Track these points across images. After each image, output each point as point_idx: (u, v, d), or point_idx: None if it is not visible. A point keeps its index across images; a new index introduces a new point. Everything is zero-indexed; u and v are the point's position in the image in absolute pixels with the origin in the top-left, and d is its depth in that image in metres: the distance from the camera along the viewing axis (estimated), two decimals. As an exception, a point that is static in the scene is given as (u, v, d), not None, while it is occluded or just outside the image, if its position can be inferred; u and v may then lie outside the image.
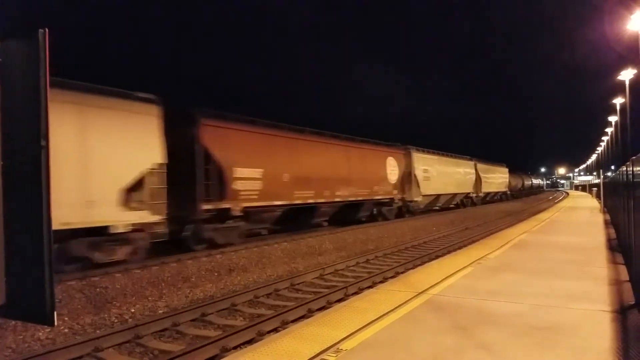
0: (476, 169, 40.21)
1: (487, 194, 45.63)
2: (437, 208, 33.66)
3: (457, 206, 37.70)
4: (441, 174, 30.89)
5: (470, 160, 39.94)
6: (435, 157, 30.90)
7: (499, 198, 52.22)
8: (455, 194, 35.09)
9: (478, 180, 40.69)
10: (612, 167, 54.32)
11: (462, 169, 37.21)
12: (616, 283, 6.88)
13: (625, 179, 7.78)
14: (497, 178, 49.34)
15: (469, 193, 39.03)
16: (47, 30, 2.02)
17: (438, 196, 31.17)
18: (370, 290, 7.35)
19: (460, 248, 13.62)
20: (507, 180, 53.86)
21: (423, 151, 29.48)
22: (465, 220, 26.44)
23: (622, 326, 4.81)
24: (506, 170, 53.83)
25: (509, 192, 55.81)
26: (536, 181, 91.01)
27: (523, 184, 68.34)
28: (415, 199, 27.35)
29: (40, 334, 7.31)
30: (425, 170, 28.54)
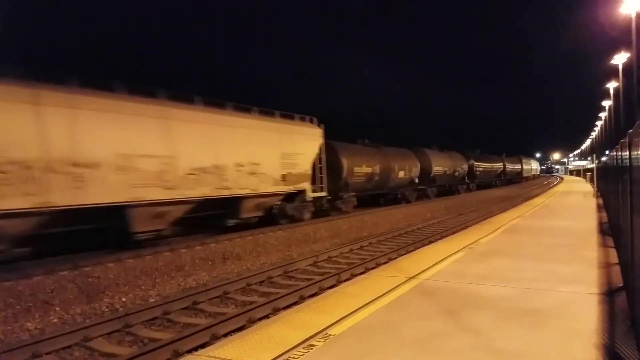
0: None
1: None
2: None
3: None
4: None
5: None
6: None
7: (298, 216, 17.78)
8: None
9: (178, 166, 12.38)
10: (607, 152, 54.46)
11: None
12: (606, 266, 6.91)
13: (615, 163, 7.77)
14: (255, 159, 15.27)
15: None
16: None
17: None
18: (362, 276, 7.35)
19: (452, 233, 13.65)
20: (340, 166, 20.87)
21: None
22: (458, 207, 26.53)
23: (610, 308, 4.83)
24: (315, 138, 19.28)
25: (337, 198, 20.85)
26: (496, 165, 51.50)
27: (429, 172, 31.14)
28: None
29: (29, 324, 7.28)
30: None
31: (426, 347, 3.98)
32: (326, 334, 4.39)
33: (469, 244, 9.27)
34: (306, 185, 18.05)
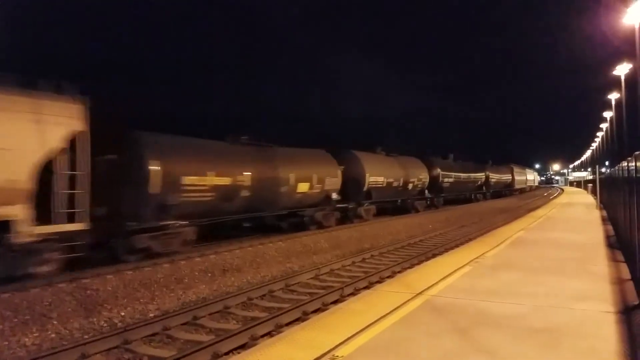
0: None
1: None
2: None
3: None
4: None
5: None
6: None
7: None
8: None
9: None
10: (607, 163, 54.39)
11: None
12: (618, 282, 6.73)
13: (627, 175, 7.62)
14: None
15: None
16: None
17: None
18: (367, 291, 7.17)
19: (457, 246, 13.47)
20: None
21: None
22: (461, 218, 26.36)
23: (628, 328, 4.65)
24: None
25: None
26: (475, 175, 41.26)
27: (361, 185, 22.37)
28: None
29: (27, 339, 7.09)
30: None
31: (439, 370, 3.80)
32: (334, 355, 4.22)
33: (476, 258, 9.10)
34: (15, 212, 9.02)
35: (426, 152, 32.09)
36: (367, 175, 22.08)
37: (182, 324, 7.45)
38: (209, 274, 11.35)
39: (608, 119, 50.33)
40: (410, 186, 27.21)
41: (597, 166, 37.39)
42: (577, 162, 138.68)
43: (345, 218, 21.10)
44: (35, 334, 7.27)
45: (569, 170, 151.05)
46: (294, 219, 18.31)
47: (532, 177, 76.93)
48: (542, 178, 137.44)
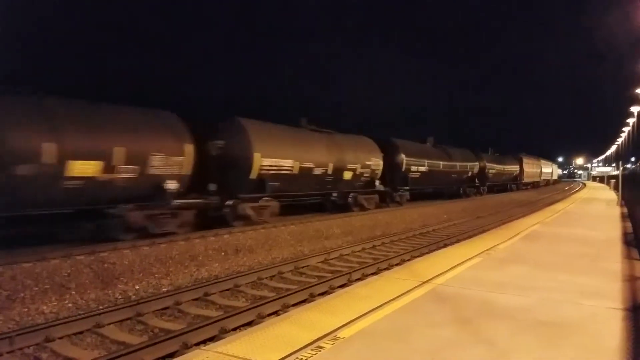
0: None
1: None
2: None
3: None
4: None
5: None
6: None
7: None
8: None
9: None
10: (632, 159, 52.96)
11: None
12: (630, 279, 6.65)
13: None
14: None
15: None
16: None
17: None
18: (374, 277, 7.23)
19: (469, 237, 13.40)
20: None
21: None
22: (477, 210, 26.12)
23: (634, 325, 4.62)
24: None
25: None
26: (464, 165, 32.51)
27: (243, 172, 14.38)
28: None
29: (45, 307, 7.39)
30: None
31: (437, 357, 3.86)
32: (335, 336, 4.30)
33: (487, 249, 9.06)
34: None
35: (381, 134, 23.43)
36: (257, 155, 14.53)
37: (194, 300, 7.67)
38: (223, 253, 11.58)
39: (635, 113, 48.81)
40: (348, 175, 19.32)
41: (620, 162, 36.40)
42: (601, 157, 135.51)
43: (220, 220, 14.25)
44: (53, 303, 7.58)
45: (593, 165, 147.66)
46: (102, 220, 11.52)
47: (548, 169, 66.17)
48: (564, 172, 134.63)
